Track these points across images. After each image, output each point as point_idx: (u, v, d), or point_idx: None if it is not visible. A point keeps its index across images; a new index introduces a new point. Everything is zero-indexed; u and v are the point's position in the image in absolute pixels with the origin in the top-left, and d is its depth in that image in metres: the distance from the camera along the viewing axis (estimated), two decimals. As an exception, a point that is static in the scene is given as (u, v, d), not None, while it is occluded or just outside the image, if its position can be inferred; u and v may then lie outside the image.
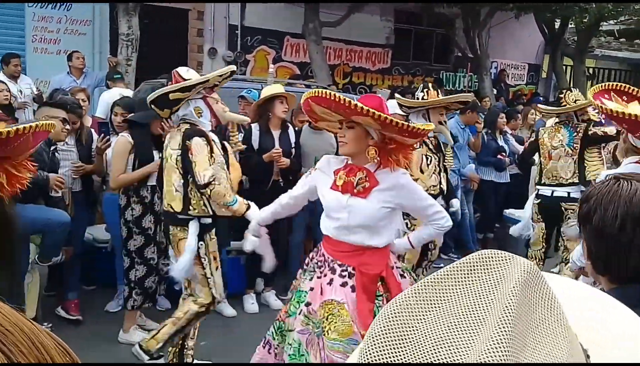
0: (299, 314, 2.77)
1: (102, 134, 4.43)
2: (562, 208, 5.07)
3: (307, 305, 2.75)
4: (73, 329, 4.32)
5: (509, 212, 6.99)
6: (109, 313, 4.66)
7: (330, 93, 2.54)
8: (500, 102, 11.10)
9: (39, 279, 4.14)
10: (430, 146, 4.54)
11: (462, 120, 6.56)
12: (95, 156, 4.45)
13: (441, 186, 4.59)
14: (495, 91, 12.52)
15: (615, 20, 14.43)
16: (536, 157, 6.14)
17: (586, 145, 5.03)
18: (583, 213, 1.29)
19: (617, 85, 2.76)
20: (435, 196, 4.47)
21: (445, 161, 4.72)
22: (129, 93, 5.92)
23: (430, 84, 4.74)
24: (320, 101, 2.62)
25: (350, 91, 12.04)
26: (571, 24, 13.45)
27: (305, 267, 2.94)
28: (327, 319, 2.67)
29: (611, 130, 4.83)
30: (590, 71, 16.74)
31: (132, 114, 4.21)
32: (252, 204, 3.38)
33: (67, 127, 4.06)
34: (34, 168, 1.89)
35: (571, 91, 5.30)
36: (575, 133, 5.08)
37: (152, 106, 3.46)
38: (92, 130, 4.80)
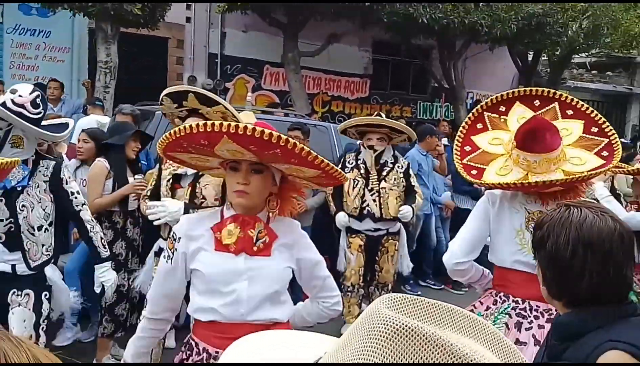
0: None
1: None
2: None
3: None
4: (44, 359, 4.24)
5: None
6: (81, 343, 4.59)
7: (288, 141, 1.77)
8: None
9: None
10: (362, 170, 4.89)
11: (422, 147, 6.59)
12: None
13: (367, 207, 4.85)
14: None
15: (586, 53, 14.86)
16: None
17: None
18: (537, 238, 1.34)
19: (486, 103, 2.65)
20: (355, 218, 4.88)
21: (370, 182, 4.92)
22: (106, 120, 5.93)
23: (379, 113, 5.23)
24: (258, 142, 1.77)
25: (329, 119, 12.16)
26: (544, 56, 13.82)
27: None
28: None
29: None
30: (564, 101, 17.15)
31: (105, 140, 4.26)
32: None
33: None
34: None
35: None
36: None
37: None
38: (66, 157, 4.79)
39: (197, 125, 1.79)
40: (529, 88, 2.64)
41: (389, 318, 0.66)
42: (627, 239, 1.28)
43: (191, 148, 1.97)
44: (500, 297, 2.59)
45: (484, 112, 2.67)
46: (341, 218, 4.91)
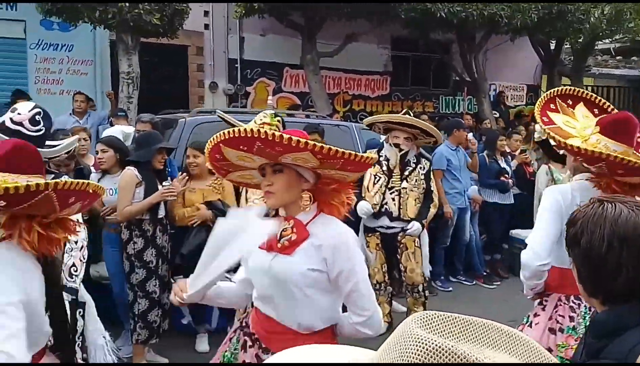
0: None
1: None
2: None
3: None
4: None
5: (515, 232, 6.99)
6: (118, 350, 4.65)
7: (252, 130, 1.86)
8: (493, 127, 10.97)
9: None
10: (384, 167, 4.79)
11: (451, 142, 6.54)
12: None
13: (386, 205, 4.77)
14: (497, 114, 12.59)
15: (610, 39, 14.55)
16: (543, 177, 6.17)
17: None
18: (570, 236, 1.31)
19: (560, 90, 2.68)
20: (374, 216, 4.80)
21: (392, 181, 4.82)
22: (131, 130, 6.00)
23: (408, 110, 5.04)
24: (240, 141, 1.92)
25: (351, 118, 12.14)
26: (566, 44, 13.58)
27: (232, 335, 2.31)
28: None
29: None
30: (589, 89, 16.82)
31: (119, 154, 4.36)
32: None
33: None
34: (74, 228, 1.91)
35: None
36: None
37: None
38: (92, 168, 4.86)
39: (209, 142, 2.02)
40: (594, 96, 2.67)
41: (423, 339, 0.65)
42: None
43: (226, 167, 2.15)
44: (572, 301, 2.53)
45: (556, 97, 2.67)
46: (364, 205, 4.76)
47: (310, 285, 2.03)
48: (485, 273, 6.91)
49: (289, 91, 12.53)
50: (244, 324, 2.26)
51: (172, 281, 4.63)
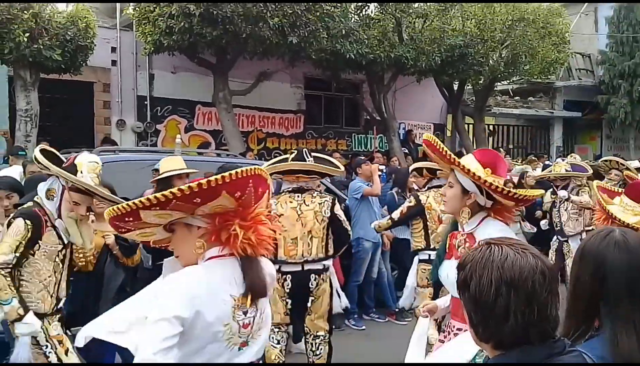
0: None
1: None
2: None
3: None
4: None
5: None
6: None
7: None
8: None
9: None
10: None
11: (362, 178, 6.72)
12: None
13: None
14: (406, 151, 12.99)
15: (508, 81, 15.52)
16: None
17: None
18: (460, 280, 1.30)
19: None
20: None
21: None
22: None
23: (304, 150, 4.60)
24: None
25: (265, 156, 12.11)
26: (468, 85, 14.35)
27: None
28: None
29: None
30: (491, 127, 17.79)
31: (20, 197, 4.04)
32: (30, 315, 3.19)
33: None
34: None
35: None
36: None
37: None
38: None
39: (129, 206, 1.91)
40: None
41: None
42: (549, 277, 1.25)
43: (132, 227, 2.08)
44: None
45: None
46: None
47: None
48: (397, 310, 6.96)
49: (202, 128, 12.36)
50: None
51: (69, 332, 4.31)
